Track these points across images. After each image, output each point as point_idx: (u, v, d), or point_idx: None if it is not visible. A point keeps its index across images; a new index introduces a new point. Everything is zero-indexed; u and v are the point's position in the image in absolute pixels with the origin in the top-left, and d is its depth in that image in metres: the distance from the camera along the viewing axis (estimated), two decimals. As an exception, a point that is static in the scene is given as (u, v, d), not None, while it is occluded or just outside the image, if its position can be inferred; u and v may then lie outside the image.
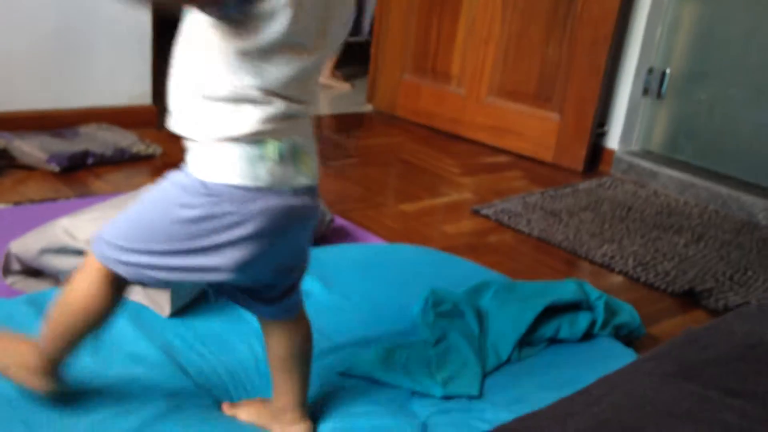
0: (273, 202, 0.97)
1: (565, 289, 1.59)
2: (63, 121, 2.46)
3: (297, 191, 0.99)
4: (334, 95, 3.71)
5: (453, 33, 3.10)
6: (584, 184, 2.69)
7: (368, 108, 3.47)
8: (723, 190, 2.58)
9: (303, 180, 0.99)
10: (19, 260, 1.55)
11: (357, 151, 2.91)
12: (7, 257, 1.55)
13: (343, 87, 3.80)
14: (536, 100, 2.93)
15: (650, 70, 2.84)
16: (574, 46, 2.77)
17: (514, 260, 2.01)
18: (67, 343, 1.09)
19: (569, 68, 2.80)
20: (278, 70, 0.91)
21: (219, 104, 0.93)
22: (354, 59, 4.26)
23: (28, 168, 2.17)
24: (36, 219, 1.76)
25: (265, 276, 1.06)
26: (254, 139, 0.94)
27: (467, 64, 3.08)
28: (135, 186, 1.87)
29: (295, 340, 1.14)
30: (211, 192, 0.96)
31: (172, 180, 1.01)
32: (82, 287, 1.06)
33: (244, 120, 0.93)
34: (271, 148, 0.95)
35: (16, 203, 1.94)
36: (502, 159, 2.95)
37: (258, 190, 0.95)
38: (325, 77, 3.82)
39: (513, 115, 2.99)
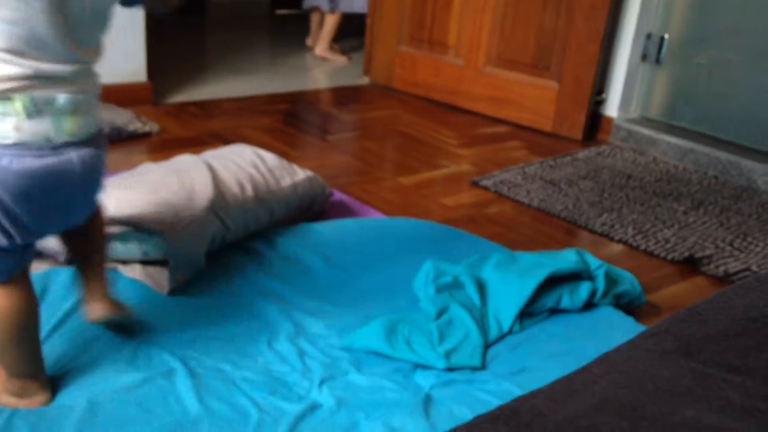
0: (28, 161, 0.99)
1: (566, 259, 1.60)
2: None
3: (57, 147, 1.01)
4: (331, 68, 3.69)
5: (449, 2, 3.06)
6: (583, 153, 2.68)
7: (365, 81, 3.44)
8: (722, 155, 2.57)
9: (64, 136, 1.01)
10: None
11: (354, 124, 2.89)
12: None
13: (340, 60, 3.77)
14: (534, 69, 2.90)
15: (648, 36, 2.81)
16: (571, 13, 2.74)
17: (514, 231, 2.02)
18: (10, 352, 1.12)
19: (567, 35, 2.77)
20: (10, 33, 0.95)
21: None
22: (352, 31, 4.23)
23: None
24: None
25: (57, 229, 1.16)
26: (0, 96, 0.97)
27: (464, 34, 3.05)
28: (133, 164, 1.87)
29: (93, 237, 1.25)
30: None
31: None
32: None
33: None
34: (18, 105, 0.97)
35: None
36: (500, 129, 2.93)
37: (5, 147, 0.98)
38: (321, 50, 3.79)
39: (511, 85, 2.97)
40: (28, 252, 1.11)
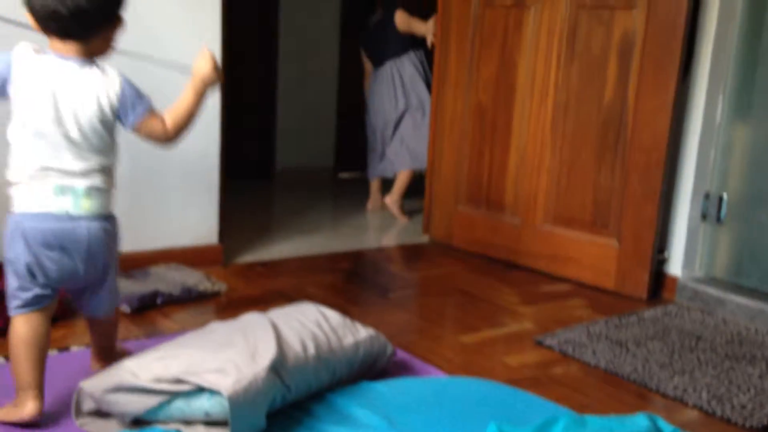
0: (53, 224, 1.52)
1: (638, 425, 1.53)
2: (136, 262, 2.58)
3: (73, 218, 1.53)
4: (391, 228, 3.80)
5: (505, 162, 3.18)
6: (649, 312, 2.63)
7: (425, 239, 3.52)
8: (796, 315, 2.48)
9: (80, 211, 1.53)
10: (92, 398, 1.59)
11: (415, 282, 2.93)
12: (79, 396, 1.59)
13: (402, 219, 3.90)
14: (593, 227, 2.93)
15: (707, 195, 2.83)
16: (627, 172, 2.80)
17: (581, 393, 1.95)
18: (19, 366, 1.56)
19: (624, 194, 2.82)
20: (38, 144, 1.51)
21: None
22: (413, 192, 4.41)
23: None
24: (107, 359, 1.81)
25: (62, 276, 1.56)
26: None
27: (520, 193, 3.14)
28: (201, 324, 1.93)
29: (100, 332, 1.77)
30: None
31: None
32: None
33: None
34: (49, 188, 1.53)
35: (89, 345, 2.01)
36: (562, 287, 2.92)
37: (39, 213, 1.52)
38: (391, 200, 3.94)
39: (570, 243, 2.99)
40: (46, 295, 1.57)
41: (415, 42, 3.94)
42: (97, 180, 1.55)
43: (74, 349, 1.98)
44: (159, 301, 2.34)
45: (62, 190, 1.51)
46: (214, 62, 1.63)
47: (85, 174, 1.53)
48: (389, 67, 3.94)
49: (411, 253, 3.35)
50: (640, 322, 2.51)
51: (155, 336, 2.10)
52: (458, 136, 3.32)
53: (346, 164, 5.10)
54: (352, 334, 1.85)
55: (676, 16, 2.62)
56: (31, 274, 1.54)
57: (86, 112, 1.52)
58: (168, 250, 2.72)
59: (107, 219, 1.60)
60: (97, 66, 1.54)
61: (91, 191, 1.54)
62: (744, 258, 2.77)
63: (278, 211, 4.15)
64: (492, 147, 3.22)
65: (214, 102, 2.73)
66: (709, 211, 2.83)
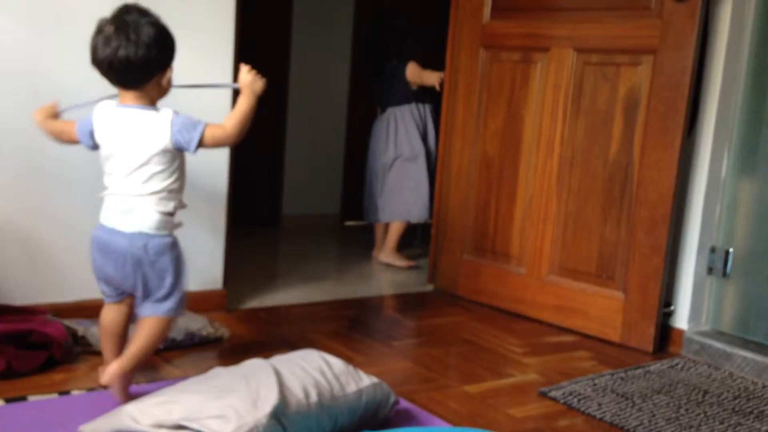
0: (102, 233, 1.88)
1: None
2: (140, 305, 2.58)
3: (116, 231, 1.85)
4: (396, 276, 3.80)
5: (511, 213, 3.19)
6: (655, 366, 2.60)
7: (429, 288, 3.52)
8: (805, 371, 2.46)
9: (123, 226, 1.84)
10: (90, 444, 1.57)
11: (419, 330, 2.91)
12: (78, 441, 1.58)
13: (405, 264, 3.89)
14: (598, 279, 2.93)
15: (713, 249, 2.83)
16: (632, 226, 2.81)
17: (586, 448, 1.92)
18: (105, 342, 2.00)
19: (629, 247, 2.82)
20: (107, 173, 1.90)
21: None
22: (416, 239, 4.41)
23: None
24: (108, 405, 1.81)
25: (107, 276, 1.91)
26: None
27: (526, 244, 3.14)
28: (203, 369, 1.92)
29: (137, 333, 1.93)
30: None
31: None
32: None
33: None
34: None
35: (90, 389, 2.00)
36: (567, 338, 2.90)
37: (99, 225, 1.90)
38: (384, 255, 3.93)
39: (576, 294, 2.98)
40: (106, 293, 1.95)
41: (424, 95, 3.98)
42: (150, 202, 1.85)
43: (75, 392, 1.97)
44: (161, 346, 2.33)
45: (123, 211, 1.85)
46: (255, 73, 1.94)
47: (142, 196, 1.84)
48: (388, 114, 3.97)
49: (415, 301, 3.34)
50: (646, 375, 2.48)
51: (157, 381, 2.09)
52: (465, 186, 3.35)
53: (353, 212, 5.13)
54: (355, 381, 1.84)
55: (682, 75, 2.67)
56: (96, 274, 1.93)
57: (148, 148, 1.82)
58: (173, 294, 2.72)
59: (154, 237, 1.85)
60: (155, 108, 1.85)
61: (134, 209, 1.86)
62: (751, 312, 2.75)
63: (284, 258, 4.16)
64: (498, 197, 3.24)
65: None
66: (716, 265, 2.82)
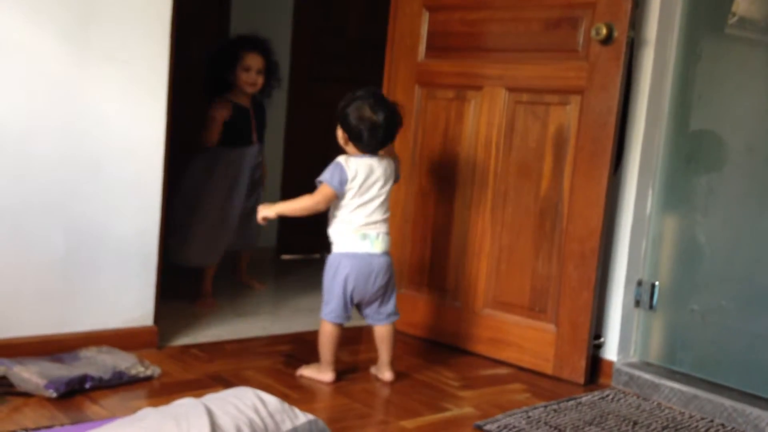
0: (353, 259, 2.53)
1: None
2: (65, 345, 2.48)
3: (364, 255, 2.53)
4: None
5: (446, 247, 3.23)
6: (587, 397, 2.65)
7: (365, 322, 3.50)
8: (727, 402, 2.54)
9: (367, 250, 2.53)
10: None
11: (356, 366, 2.90)
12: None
13: (258, 286, 3.94)
14: (531, 312, 2.98)
15: (639, 283, 2.93)
16: (563, 260, 2.88)
17: (521, 481, 1.93)
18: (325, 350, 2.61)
19: (560, 281, 2.89)
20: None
21: None
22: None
23: (26, 395, 2.15)
24: (29, 447, 1.72)
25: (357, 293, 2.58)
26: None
27: (461, 277, 3.18)
28: (131, 410, 1.86)
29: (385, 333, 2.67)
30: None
31: None
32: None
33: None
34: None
35: (25, 429, 1.90)
36: (501, 371, 2.93)
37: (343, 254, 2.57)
38: (244, 277, 4.00)
39: (510, 327, 3.03)
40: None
41: None
42: (385, 228, 2.58)
43: (-7, 436, 1.87)
44: (88, 385, 2.24)
45: (364, 236, 2.53)
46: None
47: (382, 223, 2.56)
48: None
49: (352, 336, 3.32)
50: (578, 407, 2.52)
51: (81, 422, 2.01)
52: (401, 220, 3.37)
53: (289, 246, 5.09)
54: (291, 419, 1.81)
55: (608, 114, 2.78)
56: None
57: (386, 186, 2.56)
58: (100, 331, 2.63)
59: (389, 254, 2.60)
60: (382, 156, 2.57)
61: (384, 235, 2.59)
62: (677, 344, 2.84)
63: (217, 293, 4.08)
64: (434, 232, 3.28)
65: (154, 179, 2.71)
66: (642, 297, 2.92)
